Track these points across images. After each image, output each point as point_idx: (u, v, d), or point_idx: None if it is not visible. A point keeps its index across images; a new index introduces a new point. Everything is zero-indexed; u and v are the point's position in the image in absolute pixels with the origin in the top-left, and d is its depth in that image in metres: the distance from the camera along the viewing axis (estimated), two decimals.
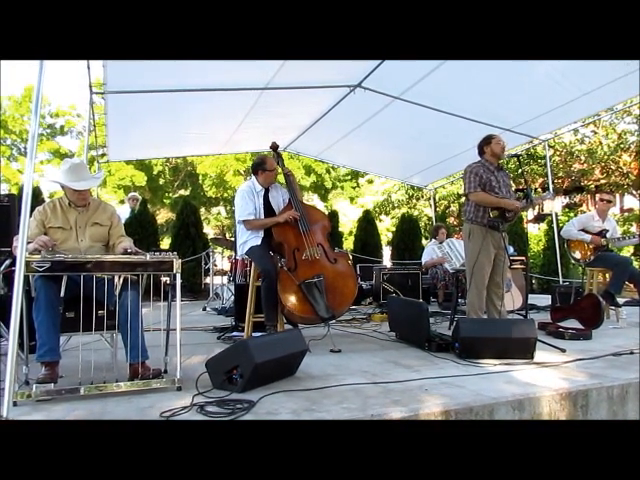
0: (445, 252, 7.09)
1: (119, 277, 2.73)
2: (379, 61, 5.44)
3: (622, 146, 13.65)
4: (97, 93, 5.68)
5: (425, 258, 7.36)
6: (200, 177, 20.36)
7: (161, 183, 21.71)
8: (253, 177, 4.31)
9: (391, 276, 6.97)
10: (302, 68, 5.30)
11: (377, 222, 13.23)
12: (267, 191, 4.26)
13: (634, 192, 14.95)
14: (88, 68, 5.01)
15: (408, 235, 10.63)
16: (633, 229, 13.63)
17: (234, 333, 4.46)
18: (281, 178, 4.48)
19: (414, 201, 17.84)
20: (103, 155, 8.29)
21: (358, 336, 4.56)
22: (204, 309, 6.98)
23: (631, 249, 12.44)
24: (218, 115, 6.67)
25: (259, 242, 4.09)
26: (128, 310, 2.70)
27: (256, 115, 6.68)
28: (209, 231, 20.81)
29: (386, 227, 17.98)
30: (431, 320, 4.94)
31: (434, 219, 11.23)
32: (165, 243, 13.79)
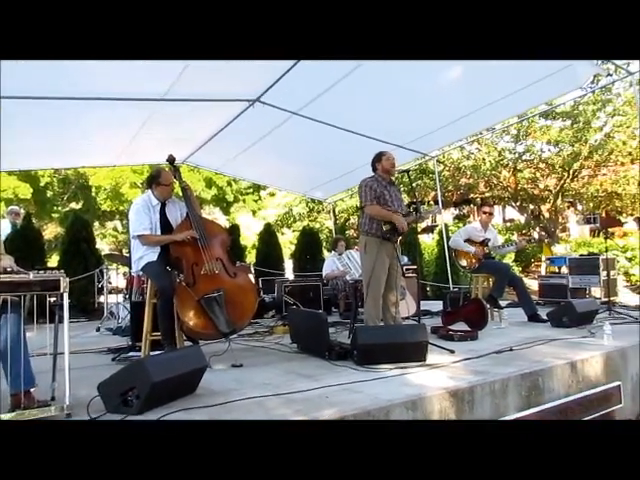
0: (345, 263, 7.28)
1: None
2: (278, 76, 5.53)
3: (502, 162, 14.89)
4: None
5: (326, 270, 7.50)
6: (93, 189, 19.28)
7: (49, 196, 20.23)
8: (149, 191, 4.18)
9: (293, 288, 7.03)
10: (200, 80, 5.26)
11: (279, 235, 13.32)
12: (164, 205, 4.15)
13: (513, 204, 16.32)
14: None
15: (309, 247, 10.79)
16: (514, 237, 14.90)
17: (131, 353, 4.26)
18: (180, 192, 4.39)
19: (315, 214, 18.22)
20: None
21: (260, 349, 4.54)
22: (98, 330, 6.60)
23: (512, 256, 13.59)
24: (112, 125, 6.40)
25: (155, 258, 3.96)
26: (8, 334, 2.50)
27: (153, 126, 6.51)
28: (104, 247, 19.76)
29: (288, 240, 18.14)
30: (332, 330, 5.06)
31: (334, 231, 11.52)
32: (54, 260, 12.86)
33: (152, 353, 3.84)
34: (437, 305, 7.52)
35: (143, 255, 3.99)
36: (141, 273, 4.26)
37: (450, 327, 4.99)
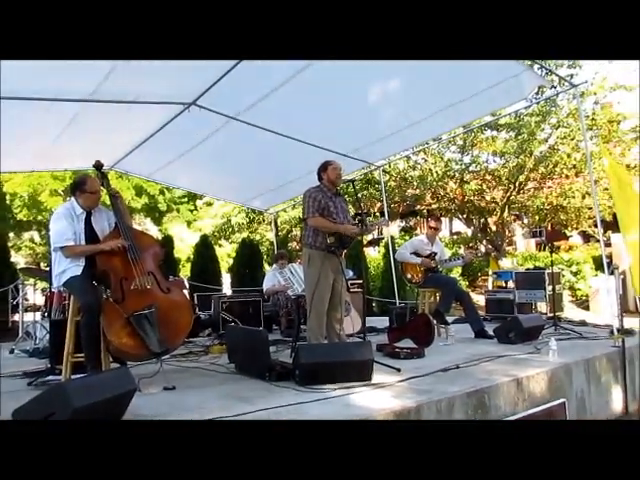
0: (287, 277, 7.30)
1: None
2: (215, 79, 5.50)
3: (448, 173, 15.36)
4: None
5: (266, 284, 7.49)
6: (8, 197, 18.44)
7: None
8: (72, 199, 4.05)
9: (231, 304, 6.96)
10: (131, 81, 5.15)
11: (216, 247, 13.17)
12: (89, 214, 4.02)
13: (460, 216, 16.86)
14: None
15: (249, 261, 10.75)
16: (461, 251, 15.37)
17: (49, 377, 4.08)
18: (107, 199, 4.28)
19: (255, 225, 18.14)
20: None
21: (195, 370, 4.47)
22: (12, 352, 6.28)
23: (459, 270, 14.03)
24: (30, 126, 6.13)
25: (80, 272, 3.83)
26: None
27: (78, 128, 6.29)
28: (19, 260, 18.92)
29: (226, 252, 17.96)
30: (273, 348, 5.05)
31: (276, 244, 11.52)
32: None
33: (74, 377, 3.71)
34: (383, 321, 7.61)
35: (66, 269, 3.85)
36: (63, 288, 4.11)
37: (396, 344, 5.09)
